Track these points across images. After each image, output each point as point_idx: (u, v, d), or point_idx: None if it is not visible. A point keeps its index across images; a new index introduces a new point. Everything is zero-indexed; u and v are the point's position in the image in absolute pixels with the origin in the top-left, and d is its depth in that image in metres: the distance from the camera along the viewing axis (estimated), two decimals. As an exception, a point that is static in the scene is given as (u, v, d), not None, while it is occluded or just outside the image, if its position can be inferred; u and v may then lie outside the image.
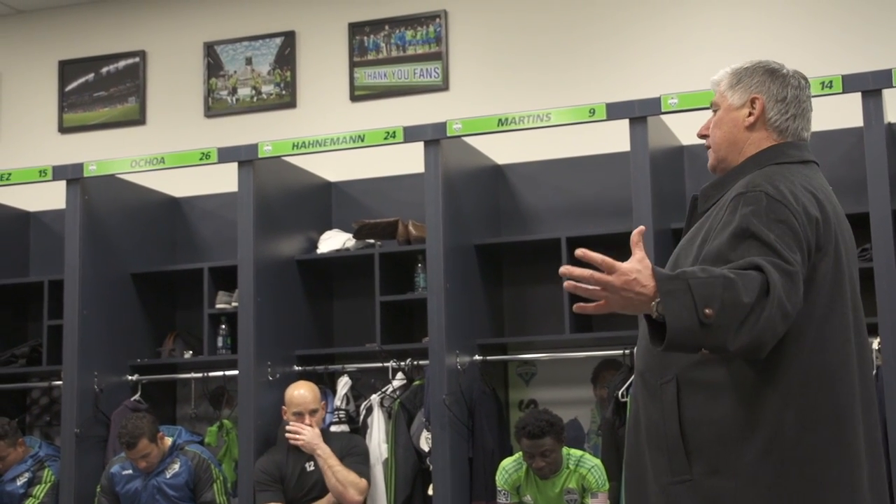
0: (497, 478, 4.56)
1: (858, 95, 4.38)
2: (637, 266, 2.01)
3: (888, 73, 4.34)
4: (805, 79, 2.45)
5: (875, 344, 4.35)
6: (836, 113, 4.84)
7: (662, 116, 4.78)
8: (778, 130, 2.37)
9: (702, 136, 2.48)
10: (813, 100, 4.54)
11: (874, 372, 4.24)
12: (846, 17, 5.42)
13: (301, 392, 4.93)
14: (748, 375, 2.14)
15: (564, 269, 2.02)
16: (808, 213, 2.18)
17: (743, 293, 1.96)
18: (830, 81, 4.39)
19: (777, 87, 2.38)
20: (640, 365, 2.32)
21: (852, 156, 4.72)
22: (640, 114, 4.63)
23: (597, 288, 2.00)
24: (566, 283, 2.03)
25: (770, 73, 2.39)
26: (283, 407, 4.98)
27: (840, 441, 2.16)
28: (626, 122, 4.66)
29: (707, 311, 1.93)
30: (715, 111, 2.45)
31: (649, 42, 5.74)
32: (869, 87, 4.35)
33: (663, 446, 2.19)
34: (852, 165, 4.68)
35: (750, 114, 2.37)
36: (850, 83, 4.38)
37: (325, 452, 4.79)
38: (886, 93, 4.40)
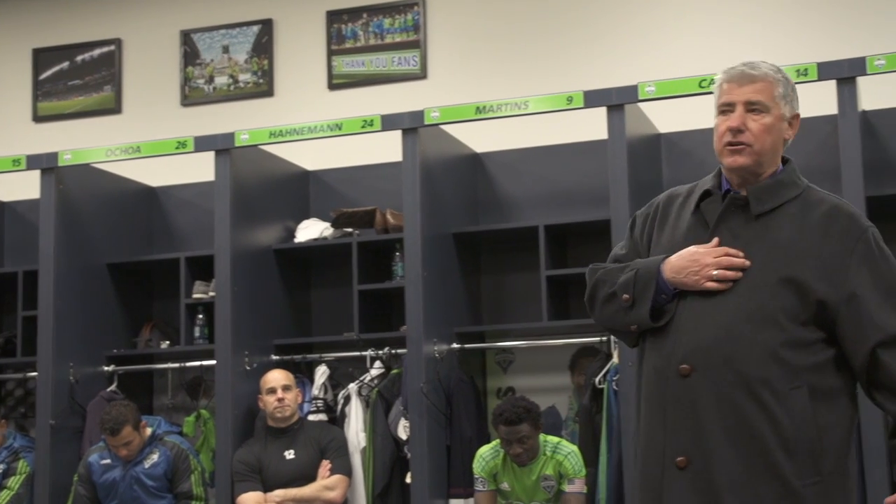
0: (474, 465, 4.56)
1: (833, 83, 4.39)
2: None
3: (862, 60, 4.36)
4: None
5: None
6: (811, 101, 4.84)
7: (640, 104, 4.78)
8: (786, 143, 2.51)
9: (736, 130, 2.41)
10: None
11: None
12: (822, 4, 5.44)
13: (272, 373, 5.01)
14: (853, 385, 2.41)
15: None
16: None
17: None
18: (806, 69, 4.40)
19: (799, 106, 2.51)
20: (757, 371, 2.31)
21: (829, 143, 4.74)
22: (617, 101, 4.64)
23: None
24: None
25: (797, 93, 2.51)
26: (259, 395, 4.97)
27: None
28: (603, 109, 4.67)
29: None
30: (756, 111, 2.41)
31: (627, 29, 5.75)
32: (844, 74, 4.37)
33: (796, 450, 2.29)
34: (828, 153, 4.70)
35: (790, 128, 2.47)
36: (826, 71, 4.40)
37: (282, 494, 4.82)
38: (861, 80, 4.42)
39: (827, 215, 2.39)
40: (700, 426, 2.32)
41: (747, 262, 2.36)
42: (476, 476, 4.55)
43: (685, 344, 2.36)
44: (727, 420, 2.30)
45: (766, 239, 2.38)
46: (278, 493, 4.82)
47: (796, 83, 4.45)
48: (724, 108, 2.45)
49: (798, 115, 2.49)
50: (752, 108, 2.41)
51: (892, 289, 2.35)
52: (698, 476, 2.32)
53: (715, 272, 2.36)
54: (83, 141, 6.01)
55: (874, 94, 4.77)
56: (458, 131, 5.25)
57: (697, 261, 2.38)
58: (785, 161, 2.50)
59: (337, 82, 6.18)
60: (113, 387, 5.47)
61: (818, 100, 4.74)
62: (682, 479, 2.33)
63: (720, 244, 2.40)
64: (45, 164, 5.38)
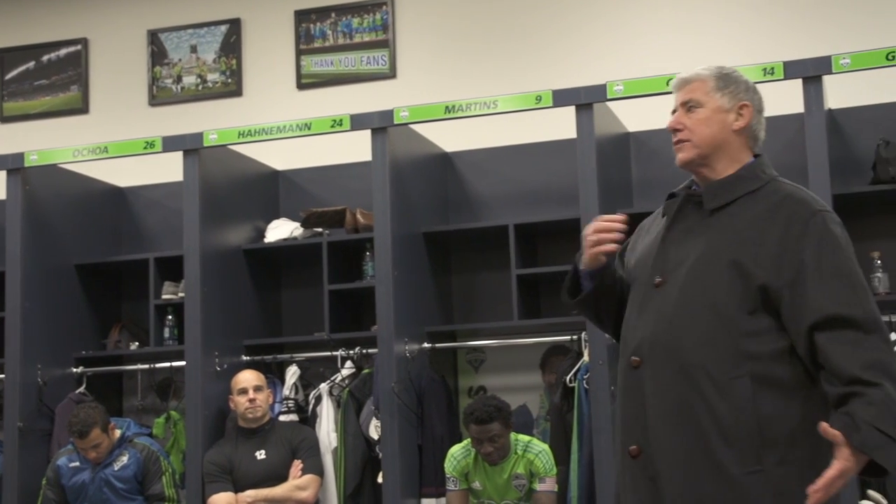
0: (446, 465, 4.57)
1: (799, 82, 4.43)
2: (848, 465, 2.22)
3: (828, 59, 4.40)
4: None
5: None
6: (777, 100, 4.89)
7: (608, 103, 4.81)
8: (753, 139, 2.53)
9: (674, 130, 2.53)
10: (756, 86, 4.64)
11: None
12: (790, 3, 5.49)
13: (244, 373, 4.99)
14: (807, 377, 2.35)
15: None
16: None
17: None
18: (772, 68, 4.44)
19: (757, 99, 2.54)
20: (696, 358, 2.36)
21: (795, 142, 4.78)
22: (585, 101, 4.66)
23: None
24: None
25: (749, 85, 2.55)
26: (230, 396, 4.96)
27: None
28: (572, 108, 4.69)
29: None
30: (692, 107, 2.51)
31: (595, 28, 5.77)
32: (809, 73, 4.41)
33: (734, 438, 2.30)
34: (795, 151, 4.73)
35: (738, 119, 2.50)
36: (792, 70, 4.44)
37: (253, 495, 4.81)
38: (826, 79, 4.46)
39: (777, 203, 2.41)
40: (647, 416, 2.39)
41: (618, 217, 2.49)
42: (447, 475, 4.56)
43: (636, 337, 2.45)
44: (669, 409, 2.36)
45: (715, 231, 2.43)
46: (249, 494, 4.81)
47: (763, 82, 4.55)
48: (673, 115, 2.57)
49: (747, 105, 2.50)
50: (688, 107, 2.51)
51: (834, 271, 2.33)
52: (648, 464, 2.39)
53: (592, 237, 2.49)
54: (50, 141, 5.96)
55: (840, 93, 4.82)
56: (427, 131, 5.25)
57: (584, 235, 2.53)
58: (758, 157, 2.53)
59: (306, 82, 6.16)
60: (82, 389, 5.42)
61: (785, 98, 4.79)
62: (635, 466, 2.41)
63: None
64: (11, 165, 5.32)
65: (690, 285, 2.39)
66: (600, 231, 2.48)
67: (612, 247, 2.48)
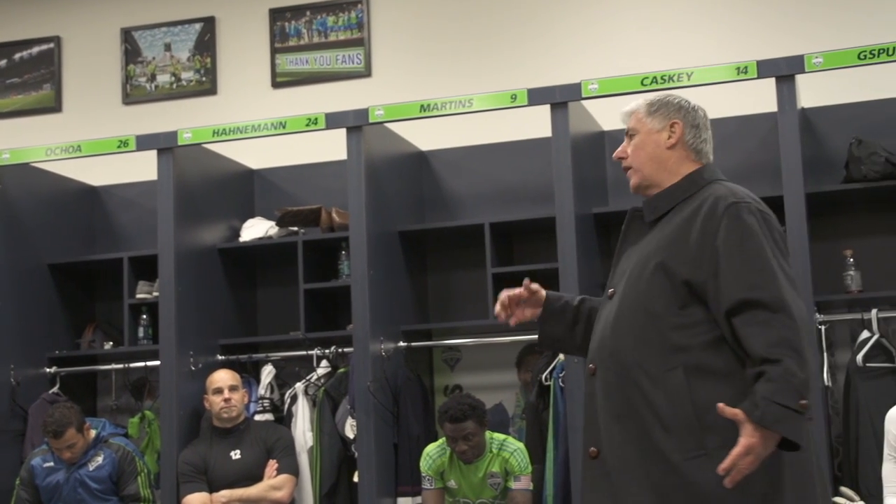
0: (421, 463, 4.57)
1: (773, 81, 4.46)
2: (752, 441, 2.31)
3: (801, 58, 4.43)
4: (706, 113, 2.75)
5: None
6: (751, 98, 4.94)
7: (583, 102, 4.82)
8: (695, 151, 2.67)
9: (620, 159, 2.72)
10: (729, 85, 4.70)
11: None
12: (763, 2, 5.52)
13: (219, 373, 4.97)
14: (738, 364, 2.44)
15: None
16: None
17: (801, 369, 2.33)
18: (746, 67, 4.47)
19: (689, 115, 2.70)
20: (633, 357, 2.50)
21: (768, 140, 4.82)
22: (560, 99, 4.67)
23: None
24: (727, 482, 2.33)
25: (681, 105, 2.71)
26: (205, 396, 4.94)
27: None
28: (547, 107, 4.70)
29: (802, 402, 2.31)
30: (632, 136, 2.70)
31: (571, 27, 5.79)
32: (782, 72, 4.44)
33: (673, 427, 2.42)
34: (768, 150, 4.78)
35: (670, 136, 2.66)
36: (765, 69, 4.47)
37: (228, 495, 4.80)
38: (799, 78, 4.50)
39: (701, 203, 2.54)
40: (600, 417, 2.54)
41: (522, 289, 2.82)
42: (423, 474, 4.56)
43: (590, 346, 2.64)
44: (616, 408, 2.51)
45: (650, 239, 2.60)
46: (224, 494, 4.79)
47: (736, 81, 4.59)
48: None
49: (677, 122, 2.66)
50: (630, 136, 2.72)
51: (743, 258, 2.43)
52: (605, 463, 2.53)
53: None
54: (22, 140, 5.92)
55: (813, 92, 4.85)
56: (402, 129, 5.25)
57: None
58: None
59: (281, 80, 6.15)
60: (55, 389, 5.39)
61: (758, 97, 4.83)
62: (593, 467, 2.56)
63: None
64: (-16, 164, 5.29)
65: (626, 292, 2.56)
66: (499, 311, 2.84)
67: (513, 318, 2.86)
